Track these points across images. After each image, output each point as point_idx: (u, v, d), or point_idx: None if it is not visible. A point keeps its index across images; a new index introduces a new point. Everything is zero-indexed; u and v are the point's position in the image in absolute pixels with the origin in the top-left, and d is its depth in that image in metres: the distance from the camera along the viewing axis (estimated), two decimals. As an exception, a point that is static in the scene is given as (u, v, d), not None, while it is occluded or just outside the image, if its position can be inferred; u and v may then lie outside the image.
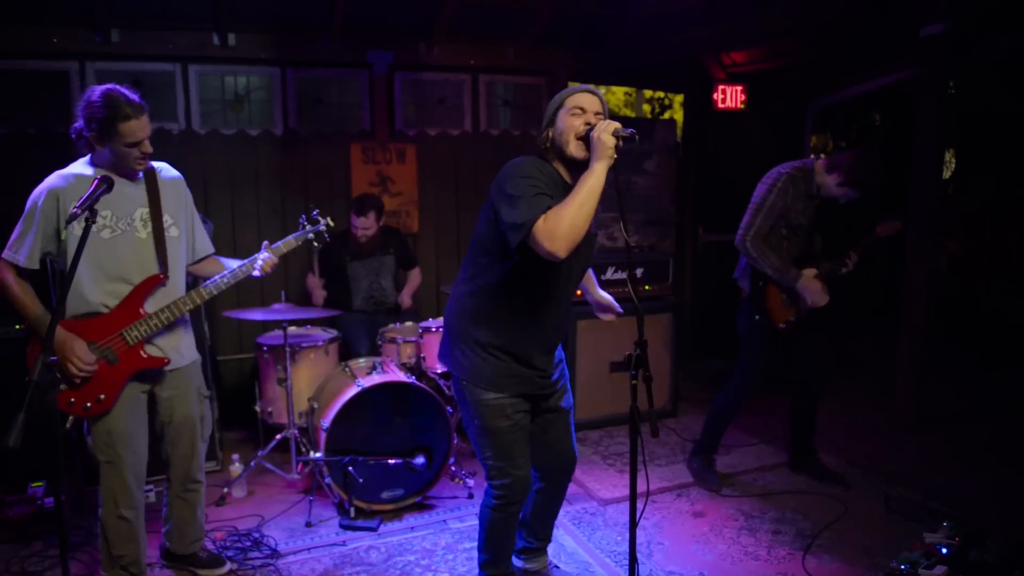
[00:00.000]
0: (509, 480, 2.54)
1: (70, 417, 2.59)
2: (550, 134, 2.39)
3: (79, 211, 2.08)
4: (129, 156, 2.53)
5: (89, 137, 2.51)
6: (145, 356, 2.64)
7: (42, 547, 3.24)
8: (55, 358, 2.45)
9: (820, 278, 3.55)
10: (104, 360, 2.57)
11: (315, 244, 3.09)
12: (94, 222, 2.12)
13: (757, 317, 3.62)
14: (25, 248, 2.52)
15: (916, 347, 4.50)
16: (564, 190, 2.32)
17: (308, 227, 3.05)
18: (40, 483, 3.53)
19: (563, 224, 2.10)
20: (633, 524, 2.25)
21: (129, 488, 2.68)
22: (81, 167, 2.61)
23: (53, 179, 2.56)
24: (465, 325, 2.51)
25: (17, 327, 3.64)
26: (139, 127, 2.47)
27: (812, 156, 3.66)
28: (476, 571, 2.83)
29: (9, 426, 1.72)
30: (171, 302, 2.66)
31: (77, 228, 2.49)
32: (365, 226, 4.45)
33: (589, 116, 2.32)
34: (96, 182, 2.16)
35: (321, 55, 4.85)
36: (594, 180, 2.16)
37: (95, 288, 2.57)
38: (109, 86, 2.47)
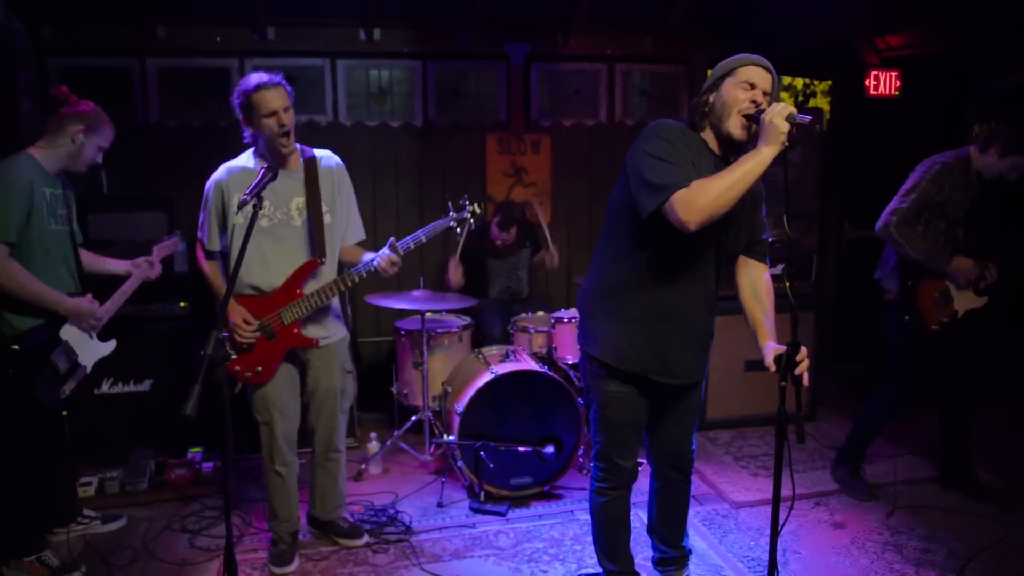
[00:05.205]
0: (613, 466, 2.50)
1: (238, 384, 2.84)
2: (711, 99, 2.24)
3: (248, 198, 2.23)
4: (272, 132, 2.68)
5: (242, 120, 2.73)
6: (297, 334, 2.83)
7: (199, 508, 3.52)
8: (227, 334, 2.69)
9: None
10: (263, 336, 2.78)
11: (458, 231, 3.04)
12: (261, 208, 2.27)
13: (907, 318, 3.38)
14: (205, 231, 2.84)
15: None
16: (712, 162, 2.23)
17: (452, 213, 3.00)
18: (198, 449, 3.83)
19: (707, 197, 1.99)
20: (775, 532, 2.16)
21: (280, 447, 2.93)
22: (245, 160, 2.85)
23: (220, 172, 2.83)
24: (596, 299, 2.44)
25: (181, 304, 3.96)
26: (272, 97, 2.65)
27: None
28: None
29: (186, 396, 1.86)
30: (323, 286, 2.82)
31: (242, 216, 2.72)
32: (505, 239, 4.54)
33: (757, 94, 2.15)
34: (263, 171, 2.30)
35: (460, 48, 4.94)
36: (756, 164, 2.01)
37: (256, 270, 2.79)
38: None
